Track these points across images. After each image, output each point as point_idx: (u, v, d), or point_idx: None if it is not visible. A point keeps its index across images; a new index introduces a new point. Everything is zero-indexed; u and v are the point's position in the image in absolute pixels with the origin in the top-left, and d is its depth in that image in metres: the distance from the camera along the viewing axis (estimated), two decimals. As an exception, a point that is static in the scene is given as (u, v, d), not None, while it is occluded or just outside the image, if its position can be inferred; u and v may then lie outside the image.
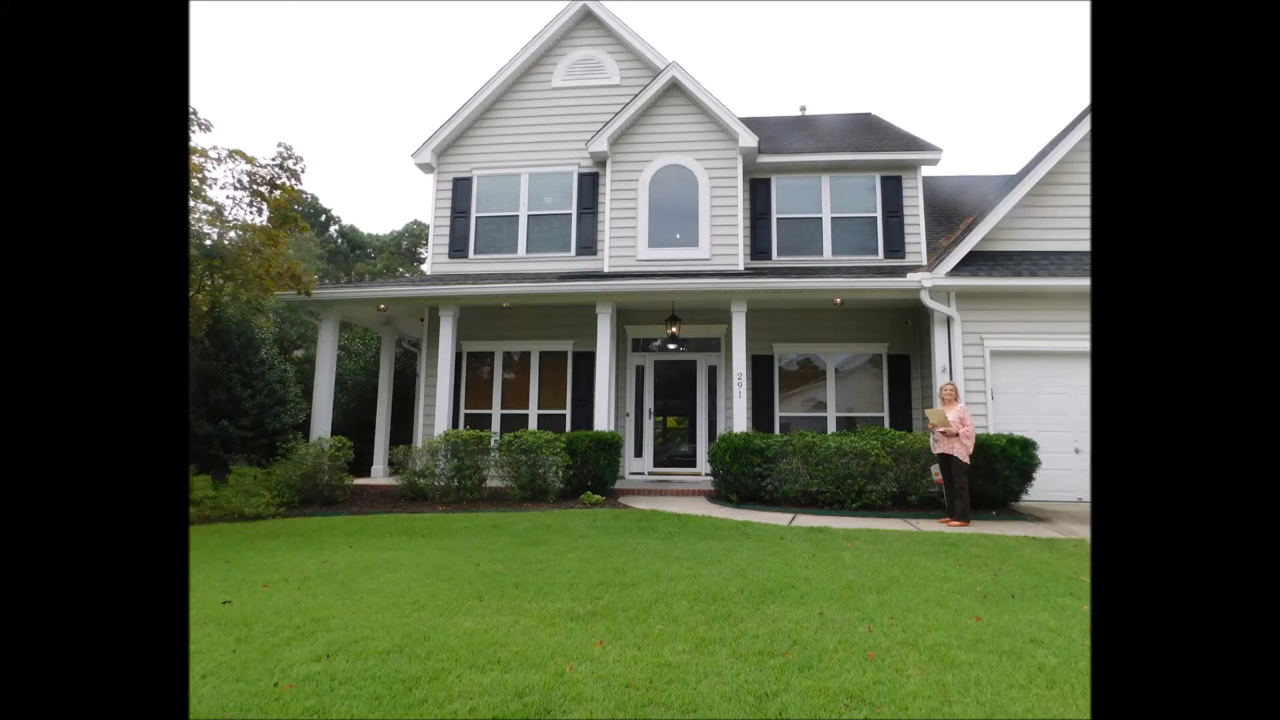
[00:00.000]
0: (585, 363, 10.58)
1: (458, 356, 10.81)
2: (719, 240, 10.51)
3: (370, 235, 30.49)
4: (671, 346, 10.97)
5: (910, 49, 71.88)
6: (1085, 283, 8.49)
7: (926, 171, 11.42)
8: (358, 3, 67.51)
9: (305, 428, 11.20)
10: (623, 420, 10.82)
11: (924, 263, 10.40)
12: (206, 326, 10.06)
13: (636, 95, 10.85)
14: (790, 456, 8.08)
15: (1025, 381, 8.79)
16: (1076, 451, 8.53)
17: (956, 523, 6.78)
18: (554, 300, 9.99)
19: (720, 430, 10.38)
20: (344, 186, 50.21)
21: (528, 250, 11.27)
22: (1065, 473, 8.49)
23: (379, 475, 11.26)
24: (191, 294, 8.94)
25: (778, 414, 10.58)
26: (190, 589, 4.04)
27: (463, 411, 10.91)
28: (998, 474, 7.62)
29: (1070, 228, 9.23)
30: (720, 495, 8.41)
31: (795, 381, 10.85)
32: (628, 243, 10.66)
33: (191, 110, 8.73)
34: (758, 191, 11.17)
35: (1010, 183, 10.48)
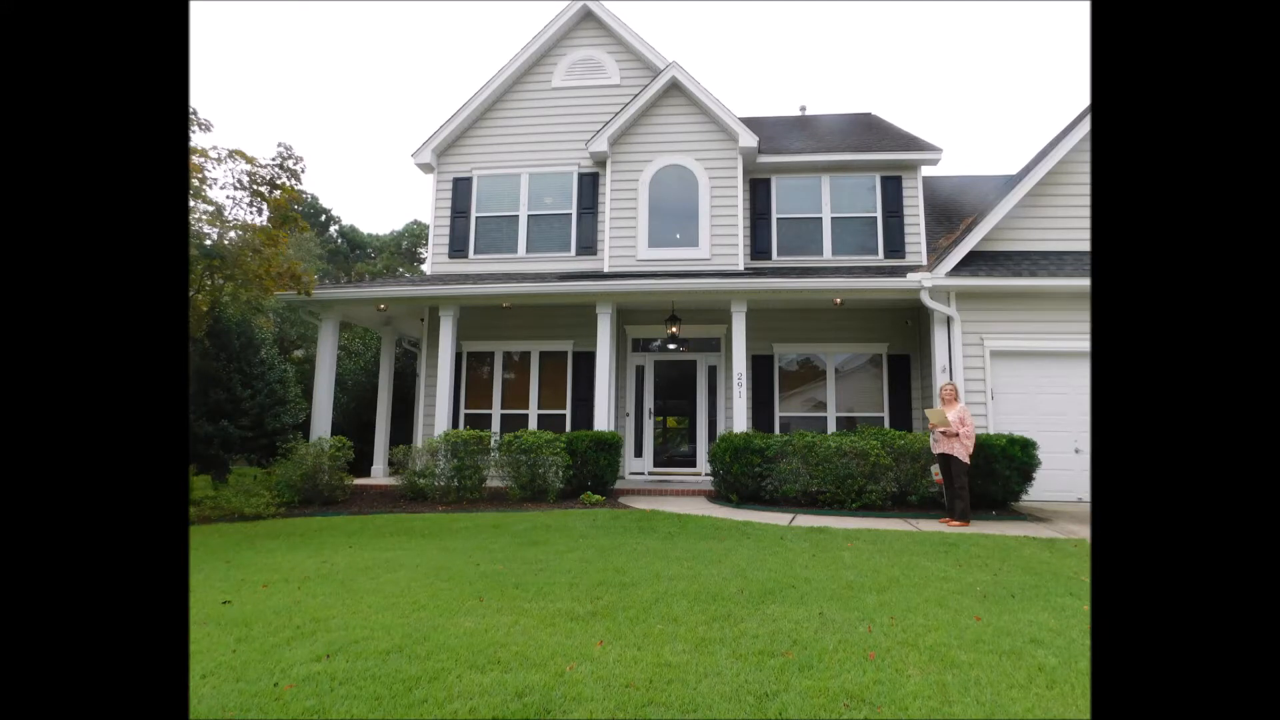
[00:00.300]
0: (585, 363, 10.58)
1: (458, 356, 10.81)
2: (719, 240, 10.51)
3: (370, 235, 30.49)
4: (671, 346, 10.97)
5: (910, 49, 71.92)
6: (1085, 283, 8.49)
7: (926, 171, 11.42)
8: (358, 3, 67.53)
9: (305, 428, 11.20)
10: (623, 420, 10.82)
11: (924, 263, 10.40)
12: (206, 326, 10.06)
13: (636, 95, 10.85)
14: (790, 456, 8.08)
15: (1025, 381, 8.80)
16: (1076, 451, 8.53)
17: (956, 523, 6.78)
18: (554, 300, 9.99)
19: (720, 430, 10.38)
20: (344, 186, 50.28)
21: (528, 250, 11.27)
22: (1065, 473, 8.49)
23: (379, 475, 11.26)
24: (191, 294, 8.94)
25: (778, 414, 10.58)
26: (190, 589, 4.04)
27: (463, 411, 10.91)
28: (998, 474, 7.62)
29: (1070, 228, 9.23)
30: (720, 495, 8.41)
31: (795, 381, 10.85)
32: (628, 243, 10.66)
33: (191, 110, 8.73)
34: (758, 191, 11.17)
35: (1010, 183, 10.48)
